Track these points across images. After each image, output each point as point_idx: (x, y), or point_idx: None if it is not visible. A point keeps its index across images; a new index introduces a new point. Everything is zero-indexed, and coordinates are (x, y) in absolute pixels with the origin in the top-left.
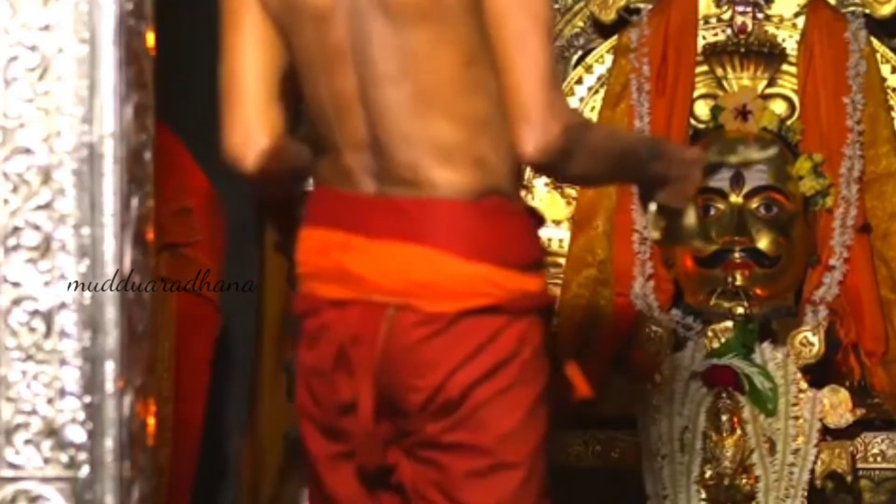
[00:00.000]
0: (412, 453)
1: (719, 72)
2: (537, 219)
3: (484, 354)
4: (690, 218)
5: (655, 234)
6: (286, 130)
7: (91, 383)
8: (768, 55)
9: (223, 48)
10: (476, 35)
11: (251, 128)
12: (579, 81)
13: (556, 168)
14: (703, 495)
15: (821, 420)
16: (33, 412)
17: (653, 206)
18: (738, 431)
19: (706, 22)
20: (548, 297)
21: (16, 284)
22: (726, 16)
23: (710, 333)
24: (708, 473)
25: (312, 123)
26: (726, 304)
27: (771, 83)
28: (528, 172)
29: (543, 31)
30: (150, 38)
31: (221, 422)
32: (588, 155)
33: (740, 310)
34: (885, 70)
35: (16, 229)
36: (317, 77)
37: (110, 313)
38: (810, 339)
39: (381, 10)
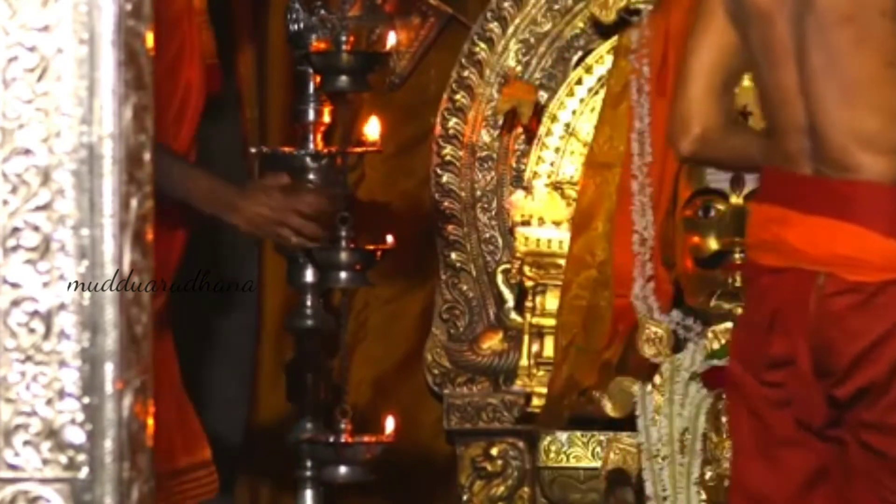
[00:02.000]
0: (855, 435)
1: None
2: None
3: None
4: None
5: None
6: (724, 122)
7: (90, 384)
8: None
9: (686, 49)
10: None
11: (687, 117)
12: (579, 82)
13: None
14: (704, 496)
15: None
16: (32, 413)
17: None
18: None
19: None
20: None
21: (15, 285)
22: None
23: (710, 335)
24: (708, 475)
25: (763, 110)
26: (727, 306)
27: None
28: (527, 174)
29: None
30: (150, 39)
31: (221, 421)
32: None
33: (741, 311)
34: None
35: (15, 230)
36: (764, 70)
37: (109, 314)
38: None
39: (811, 11)
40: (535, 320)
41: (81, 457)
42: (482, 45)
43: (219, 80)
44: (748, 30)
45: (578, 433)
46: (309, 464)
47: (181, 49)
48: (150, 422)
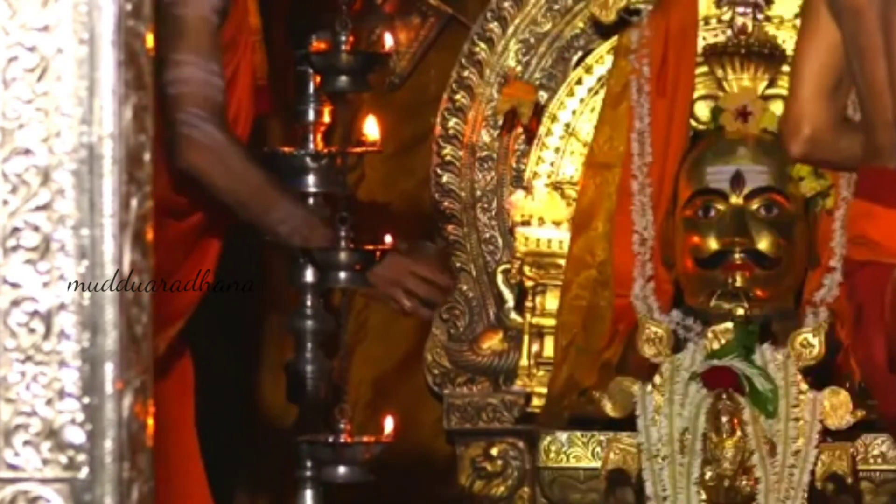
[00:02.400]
0: None
1: (719, 73)
2: None
3: None
4: None
5: None
6: (834, 123)
7: (90, 384)
8: (768, 56)
9: (796, 50)
10: None
11: (798, 119)
12: (579, 82)
13: None
14: (704, 497)
15: (821, 422)
16: (32, 413)
17: None
18: (739, 433)
19: (706, 23)
20: None
21: (15, 285)
22: (726, 17)
23: (710, 335)
24: (708, 475)
25: (861, 104)
26: (726, 306)
27: (771, 84)
28: (527, 174)
29: None
30: (150, 39)
31: (222, 422)
32: None
33: (740, 311)
34: None
35: (15, 230)
36: (856, 64)
37: (109, 314)
38: (811, 341)
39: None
40: (535, 320)
41: (81, 457)
42: (482, 45)
43: (268, 101)
44: (842, 25)
45: (578, 433)
46: (308, 464)
47: (237, 71)
48: (150, 422)
